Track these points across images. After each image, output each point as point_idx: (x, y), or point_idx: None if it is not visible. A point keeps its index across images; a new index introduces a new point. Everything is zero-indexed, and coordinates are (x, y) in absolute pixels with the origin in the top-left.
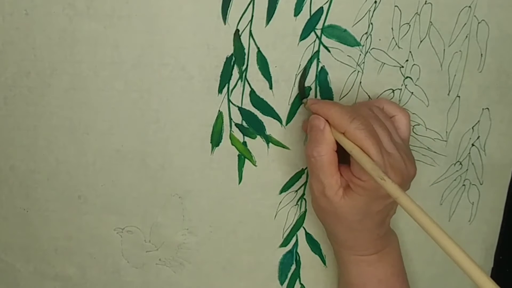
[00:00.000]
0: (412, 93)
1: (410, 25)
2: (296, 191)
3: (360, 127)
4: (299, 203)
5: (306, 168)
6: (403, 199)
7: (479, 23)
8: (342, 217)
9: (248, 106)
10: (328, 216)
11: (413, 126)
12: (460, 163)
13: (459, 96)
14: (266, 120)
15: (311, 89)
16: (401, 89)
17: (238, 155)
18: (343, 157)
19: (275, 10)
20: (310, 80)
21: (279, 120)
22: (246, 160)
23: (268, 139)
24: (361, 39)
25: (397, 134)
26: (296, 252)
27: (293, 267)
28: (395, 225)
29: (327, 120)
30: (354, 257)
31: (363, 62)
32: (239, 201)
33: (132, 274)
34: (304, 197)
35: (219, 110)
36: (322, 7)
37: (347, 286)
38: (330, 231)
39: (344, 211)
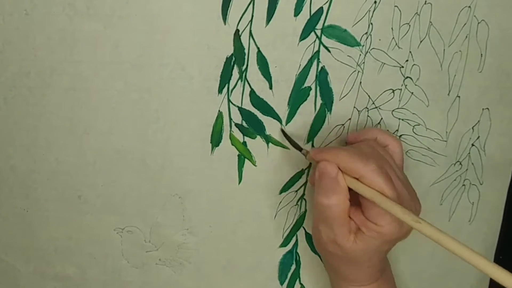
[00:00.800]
0: (412, 93)
1: (410, 25)
2: (296, 191)
3: (376, 170)
4: (299, 203)
5: (306, 168)
6: (445, 240)
7: (479, 23)
8: (351, 258)
9: (248, 106)
10: (334, 258)
11: (413, 126)
12: (460, 163)
13: (459, 96)
14: (266, 120)
15: (311, 89)
16: (401, 89)
17: (238, 155)
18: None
19: (275, 10)
20: (310, 80)
21: (279, 120)
22: (246, 160)
23: (268, 139)
24: (361, 39)
25: (395, 165)
26: (296, 252)
27: (293, 267)
28: None
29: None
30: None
31: (363, 62)
32: (239, 201)
33: (132, 274)
34: (304, 197)
35: (219, 110)
36: (322, 7)
37: None
38: (334, 267)
39: (355, 254)
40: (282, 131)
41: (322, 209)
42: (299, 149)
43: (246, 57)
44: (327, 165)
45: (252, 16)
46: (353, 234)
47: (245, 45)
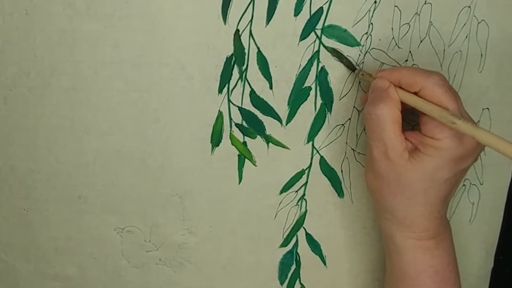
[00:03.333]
0: None
1: (410, 25)
2: (296, 191)
3: (439, 82)
4: (299, 203)
5: (306, 168)
6: (482, 134)
7: (479, 23)
8: (405, 185)
9: (248, 106)
10: (387, 186)
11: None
12: None
13: None
14: (266, 120)
15: (311, 89)
16: None
17: (238, 155)
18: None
19: (275, 10)
20: (310, 80)
21: (279, 120)
22: (246, 160)
23: (268, 139)
24: (361, 39)
25: None
26: (296, 252)
27: (293, 267)
28: None
29: (399, 86)
30: (410, 242)
31: (363, 62)
32: (239, 201)
33: (132, 274)
34: (304, 197)
35: (219, 110)
36: (322, 7)
37: (398, 276)
38: (386, 206)
39: (410, 176)
40: (334, 50)
41: (369, 118)
42: (353, 68)
43: (246, 57)
44: (379, 80)
45: (252, 16)
46: (407, 152)
47: (245, 45)
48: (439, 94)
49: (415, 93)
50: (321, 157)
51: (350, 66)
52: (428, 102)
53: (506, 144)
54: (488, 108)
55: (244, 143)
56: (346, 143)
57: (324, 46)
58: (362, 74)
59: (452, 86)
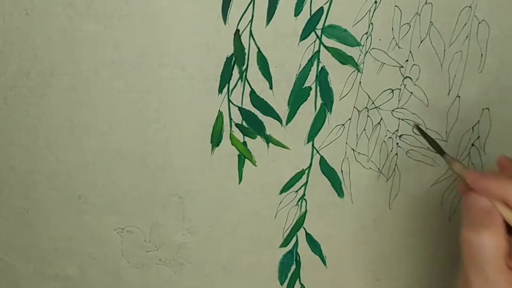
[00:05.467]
0: (411, 93)
1: (410, 25)
2: (296, 191)
3: None
4: (299, 203)
5: (306, 168)
6: None
7: (479, 23)
8: None
9: (248, 106)
10: None
11: (413, 126)
12: None
13: (459, 96)
14: (266, 120)
15: (311, 89)
16: (400, 89)
17: (238, 155)
18: None
19: (275, 10)
20: (310, 80)
21: (279, 120)
22: (246, 160)
23: (268, 139)
24: (361, 39)
25: None
26: (296, 252)
27: (293, 267)
28: (395, 226)
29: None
30: None
31: (363, 62)
32: (239, 201)
33: (132, 274)
34: (304, 197)
35: (219, 110)
36: (322, 7)
37: None
38: None
39: None
40: (418, 128)
41: (470, 249)
42: (441, 152)
43: (246, 57)
44: (480, 200)
45: (252, 16)
46: None
47: (245, 45)
48: None
49: None
50: (321, 157)
51: (438, 148)
52: None
53: None
54: (488, 108)
55: (244, 143)
56: (346, 143)
57: (324, 46)
58: (452, 159)
59: (452, 86)
